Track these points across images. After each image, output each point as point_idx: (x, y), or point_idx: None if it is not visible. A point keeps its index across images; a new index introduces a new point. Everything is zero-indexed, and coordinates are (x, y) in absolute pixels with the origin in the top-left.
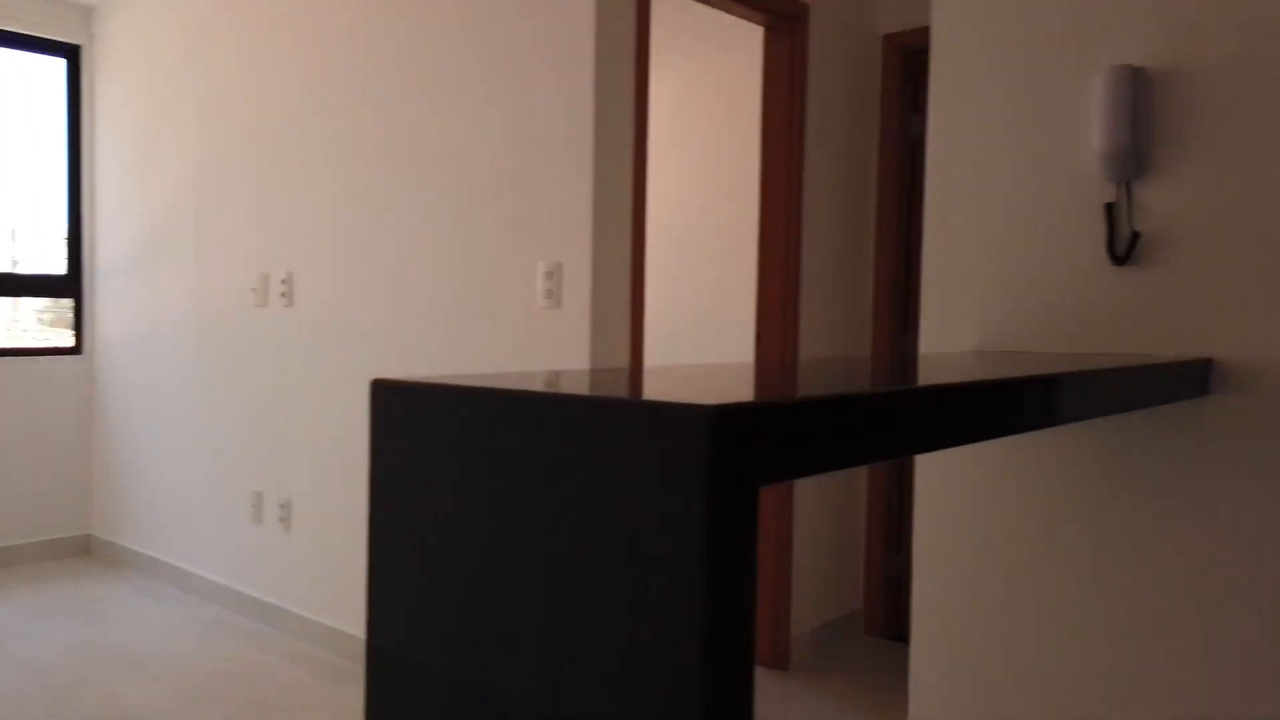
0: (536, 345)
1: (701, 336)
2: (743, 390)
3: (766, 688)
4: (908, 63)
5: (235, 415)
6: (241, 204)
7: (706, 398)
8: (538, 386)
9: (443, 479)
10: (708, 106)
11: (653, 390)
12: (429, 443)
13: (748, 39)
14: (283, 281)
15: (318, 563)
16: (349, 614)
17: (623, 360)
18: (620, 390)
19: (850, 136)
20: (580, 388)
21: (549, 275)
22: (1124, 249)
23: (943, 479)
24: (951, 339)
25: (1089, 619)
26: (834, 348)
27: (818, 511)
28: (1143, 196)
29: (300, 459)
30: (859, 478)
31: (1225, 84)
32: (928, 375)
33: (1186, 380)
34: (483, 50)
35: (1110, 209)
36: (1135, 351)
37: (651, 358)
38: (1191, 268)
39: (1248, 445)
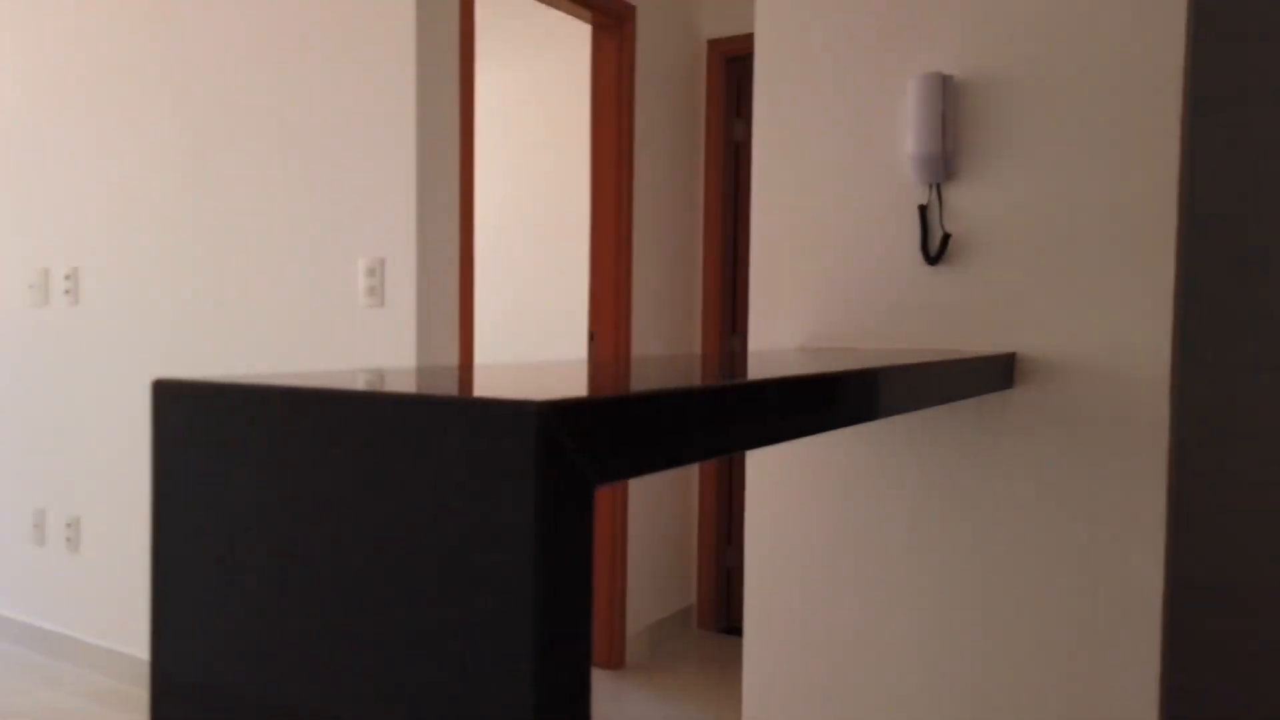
0: (358, 346)
1: (536, 338)
2: (577, 386)
3: (602, 688)
4: (730, 68)
5: (12, 427)
6: (16, 191)
7: (537, 393)
8: (353, 385)
9: (239, 489)
10: (544, 103)
11: (481, 388)
12: (222, 449)
13: (582, 37)
14: (67, 278)
15: (111, 585)
16: (148, 640)
17: (452, 361)
18: (445, 388)
19: (677, 139)
20: (400, 386)
21: (371, 272)
22: (936, 250)
23: (773, 473)
24: (778, 337)
25: (912, 605)
26: (666, 347)
27: (652, 507)
28: (952, 199)
29: (89, 473)
30: (691, 472)
31: (1023, 93)
32: (759, 371)
33: (993, 374)
34: (296, 34)
35: (923, 211)
36: (948, 347)
37: (484, 360)
38: (996, 267)
39: (1046, 434)
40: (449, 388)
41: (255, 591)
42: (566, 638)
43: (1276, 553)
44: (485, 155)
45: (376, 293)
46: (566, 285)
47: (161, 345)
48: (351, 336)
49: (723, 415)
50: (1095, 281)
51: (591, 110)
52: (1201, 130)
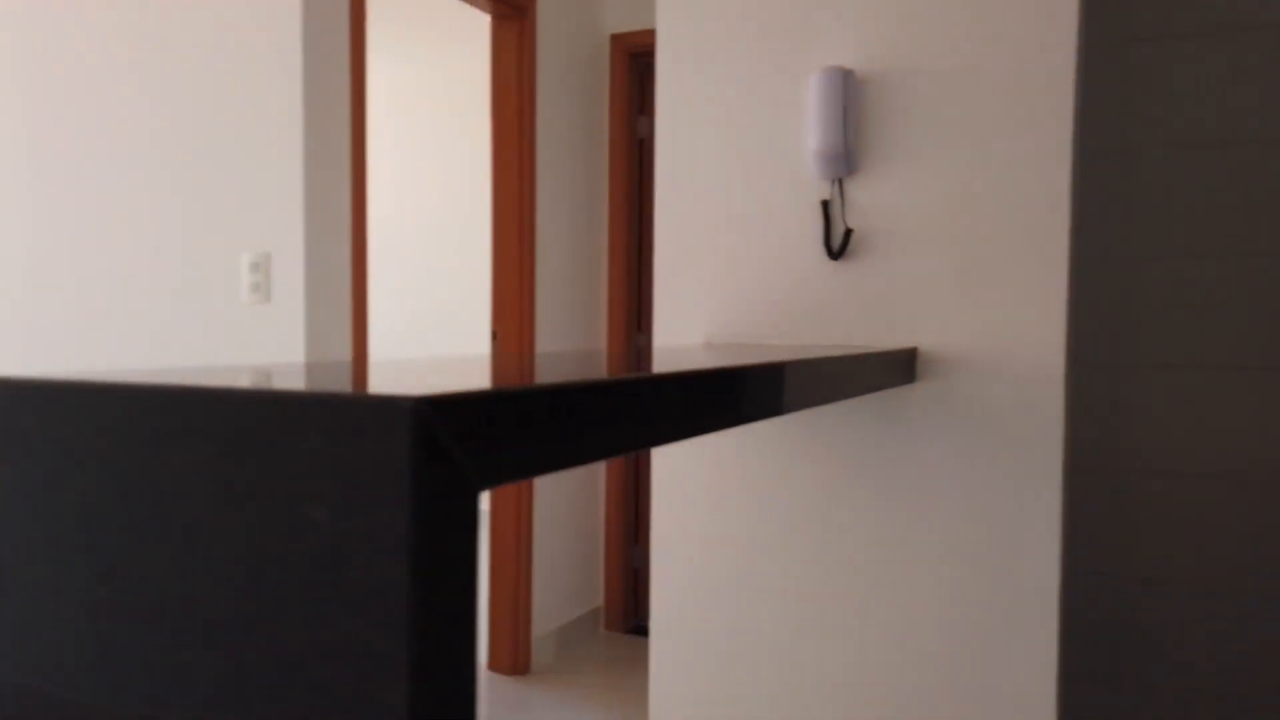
0: (242, 344)
1: (437, 338)
2: (468, 382)
3: (507, 696)
4: (634, 63)
5: None
6: None
7: (415, 388)
8: (204, 382)
9: (70, 497)
10: (448, 97)
11: (361, 384)
12: (50, 452)
13: (484, 29)
14: None
15: None
16: None
17: (344, 359)
18: (329, 384)
19: (581, 135)
20: (279, 382)
21: (255, 267)
22: (839, 245)
23: (678, 470)
24: (683, 333)
25: (817, 600)
26: (571, 346)
27: (558, 507)
28: (854, 194)
29: None
30: (597, 470)
31: (923, 89)
32: (662, 366)
33: (896, 369)
34: (170, 15)
35: (825, 206)
36: (852, 342)
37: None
38: (897, 262)
39: (947, 428)
40: (329, 383)
41: (91, 611)
42: (448, 662)
43: (1166, 542)
44: (386, 149)
45: (261, 289)
46: (470, 283)
47: (22, 348)
48: (235, 335)
49: (621, 411)
50: (993, 277)
51: (492, 104)
52: (1090, 129)
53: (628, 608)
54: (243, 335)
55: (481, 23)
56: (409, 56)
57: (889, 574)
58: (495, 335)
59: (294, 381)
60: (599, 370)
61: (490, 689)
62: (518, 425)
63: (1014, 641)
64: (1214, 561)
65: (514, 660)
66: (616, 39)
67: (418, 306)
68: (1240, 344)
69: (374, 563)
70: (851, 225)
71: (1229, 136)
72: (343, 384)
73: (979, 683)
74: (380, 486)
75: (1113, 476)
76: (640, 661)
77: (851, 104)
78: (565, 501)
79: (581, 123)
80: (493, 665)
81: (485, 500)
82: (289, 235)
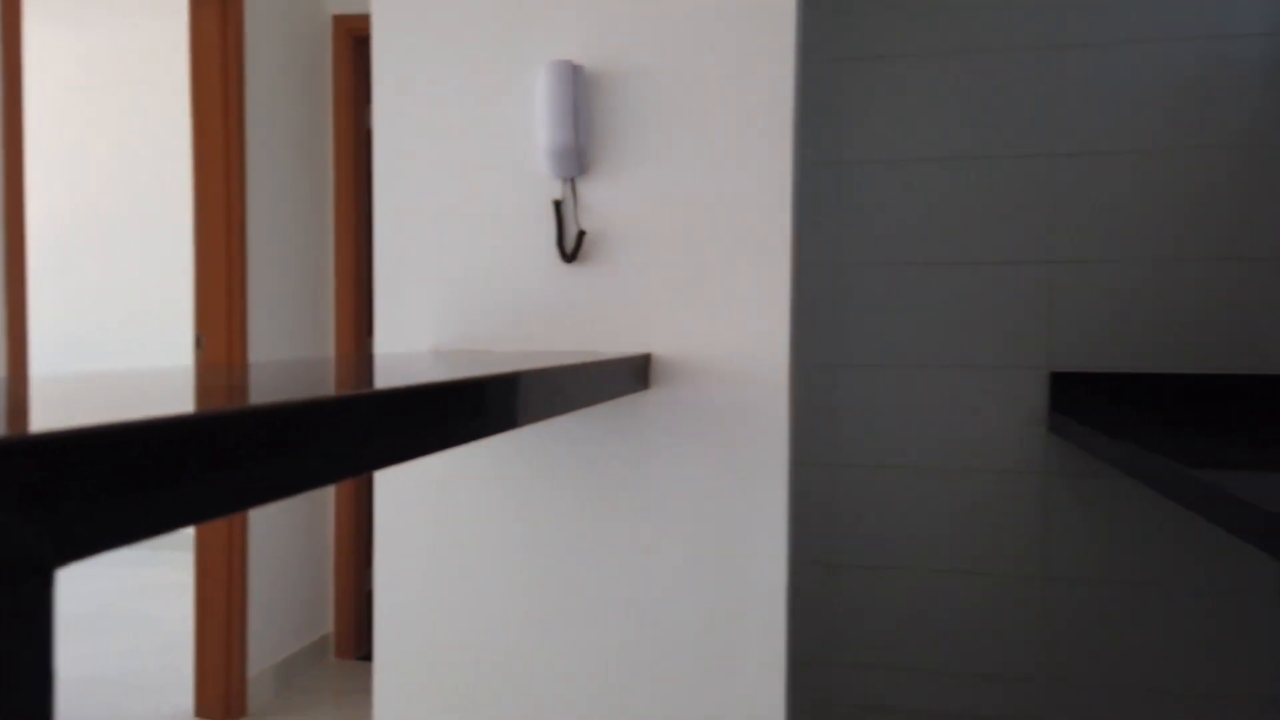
0: None
1: (143, 341)
2: (96, 412)
3: None
4: (360, 49)
5: None
6: None
7: None
8: None
9: None
10: (150, 66)
11: None
12: None
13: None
14: None
15: None
16: None
17: None
18: None
19: (301, 124)
20: None
21: None
22: (572, 247)
23: (403, 483)
24: (409, 339)
25: (551, 611)
26: (292, 352)
27: (279, 528)
28: (587, 195)
29: None
30: (326, 489)
31: (652, 87)
32: (384, 378)
33: (630, 376)
34: None
35: (558, 206)
36: (586, 349)
37: (55, 374)
38: (630, 266)
39: (681, 433)
40: None
41: None
42: None
43: (878, 530)
44: (78, 126)
45: None
46: (180, 281)
47: None
48: None
49: (291, 443)
50: (721, 281)
51: (191, 86)
52: (806, 142)
53: (361, 633)
54: None
55: None
56: (105, 20)
57: (624, 580)
58: (200, 342)
59: None
60: (327, 384)
61: None
62: (124, 473)
63: (746, 633)
64: (924, 546)
65: (226, 703)
66: (340, 21)
67: (114, 308)
68: (940, 345)
69: None
70: (585, 227)
71: (927, 154)
72: None
73: (715, 677)
74: None
75: (828, 470)
76: (369, 689)
77: (582, 100)
78: (287, 521)
79: (301, 111)
80: (201, 711)
81: None
82: None
